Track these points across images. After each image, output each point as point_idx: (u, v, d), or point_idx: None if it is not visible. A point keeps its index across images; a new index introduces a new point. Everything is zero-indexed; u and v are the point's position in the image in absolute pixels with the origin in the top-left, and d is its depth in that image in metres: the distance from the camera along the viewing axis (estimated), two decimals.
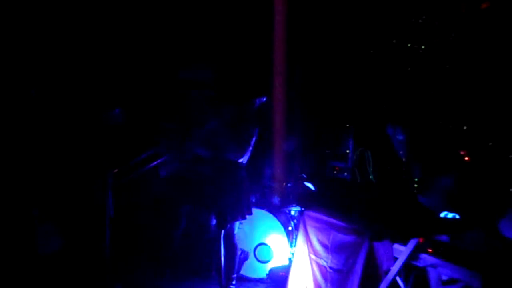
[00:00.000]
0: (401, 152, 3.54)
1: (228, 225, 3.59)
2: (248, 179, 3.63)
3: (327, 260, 2.97)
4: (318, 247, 3.08)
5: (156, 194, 4.89)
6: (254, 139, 3.55)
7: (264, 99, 3.53)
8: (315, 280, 3.08)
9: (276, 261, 4.20)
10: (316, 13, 5.17)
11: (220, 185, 3.56)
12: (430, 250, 2.38)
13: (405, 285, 2.50)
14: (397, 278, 2.50)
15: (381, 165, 4.81)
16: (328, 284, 2.94)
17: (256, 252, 4.28)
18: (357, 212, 2.74)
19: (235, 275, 3.87)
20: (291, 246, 4.12)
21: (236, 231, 3.72)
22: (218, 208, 3.51)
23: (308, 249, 3.18)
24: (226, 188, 3.54)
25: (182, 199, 3.78)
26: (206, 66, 5.52)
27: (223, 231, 3.50)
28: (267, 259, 4.25)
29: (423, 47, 4.33)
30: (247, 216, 3.66)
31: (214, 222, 3.70)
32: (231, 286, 3.83)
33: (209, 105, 3.54)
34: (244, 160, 3.60)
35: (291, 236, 4.23)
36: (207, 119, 3.47)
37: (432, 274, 2.64)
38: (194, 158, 3.55)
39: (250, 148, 3.52)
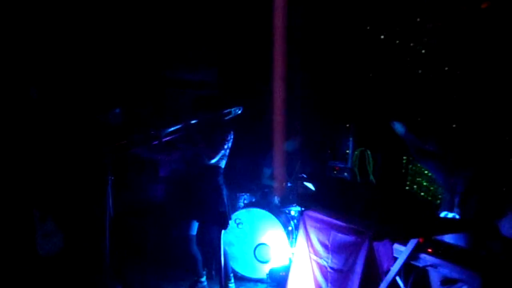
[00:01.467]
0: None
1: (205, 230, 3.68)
2: (225, 186, 3.67)
3: (327, 260, 2.97)
4: (318, 247, 3.08)
5: (155, 195, 4.91)
6: (228, 144, 3.63)
7: (240, 111, 3.65)
8: (315, 280, 3.08)
9: (276, 261, 4.20)
10: (317, 12, 5.17)
11: (196, 190, 3.61)
12: (430, 250, 2.37)
13: (405, 285, 2.50)
14: (397, 278, 2.50)
15: (381, 165, 4.81)
16: (329, 284, 2.94)
17: (256, 252, 4.28)
18: (357, 212, 2.74)
19: (232, 274, 3.89)
20: (291, 246, 4.12)
21: (219, 241, 3.67)
22: (197, 212, 3.58)
23: (308, 249, 3.17)
24: (202, 194, 3.58)
25: (178, 201, 3.81)
26: (207, 66, 5.54)
27: (222, 231, 3.52)
28: (267, 259, 4.25)
29: (423, 51, 4.32)
30: (226, 225, 3.65)
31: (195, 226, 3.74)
32: (230, 285, 3.84)
33: (193, 107, 3.70)
34: (220, 164, 3.65)
35: (291, 236, 4.23)
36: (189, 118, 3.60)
37: (432, 274, 2.64)
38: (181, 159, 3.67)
39: (224, 151, 3.60)
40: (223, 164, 3.67)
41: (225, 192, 3.63)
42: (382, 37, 4.72)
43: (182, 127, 3.34)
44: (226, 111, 3.58)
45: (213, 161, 3.54)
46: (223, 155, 3.62)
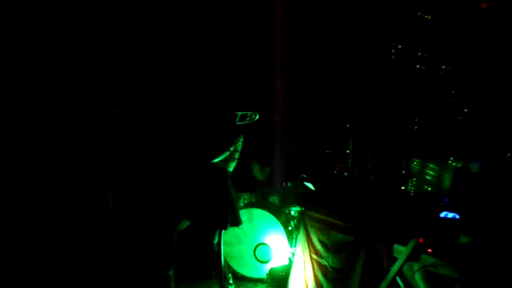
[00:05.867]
0: None
1: (207, 233, 3.64)
2: (234, 189, 3.65)
3: (327, 259, 2.97)
4: (318, 246, 3.08)
5: (155, 195, 4.90)
6: (236, 146, 3.59)
7: (257, 117, 3.63)
8: (316, 279, 3.08)
9: (276, 261, 4.20)
10: (317, 13, 5.17)
11: (201, 191, 3.58)
12: (430, 250, 2.37)
13: (405, 285, 2.50)
14: (397, 278, 2.50)
15: (381, 165, 4.81)
16: (329, 284, 2.94)
17: (256, 252, 4.28)
18: (357, 212, 2.74)
19: (230, 275, 3.88)
20: (291, 246, 4.12)
21: (215, 241, 3.66)
22: (200, 212, 3.57)
23: (309, 248, 3.18)
24: (207, 195, 3.56)
25: (179, 200, 3.81)
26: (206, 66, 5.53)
27: (222, 232, 3.51)
28: (267, 259, 4.25)
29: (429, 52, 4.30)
30: (229, 226, 3.63)
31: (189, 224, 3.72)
32: (229, 286, 3.83)
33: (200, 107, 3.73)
34: (229, 167, 3.62)
35: (291, 236, 4.23)
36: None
37: (432, 274, 2.64)
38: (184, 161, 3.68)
39: (229, 153, 3.56)
40: (231, 167, 3.65)
41: (233, 195, 3.61)
42: (382, 37, 4.73)
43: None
44: (241, 113, 3.56)
45: (215, 160, 3.50)
46: (229, 157, 3.59)
